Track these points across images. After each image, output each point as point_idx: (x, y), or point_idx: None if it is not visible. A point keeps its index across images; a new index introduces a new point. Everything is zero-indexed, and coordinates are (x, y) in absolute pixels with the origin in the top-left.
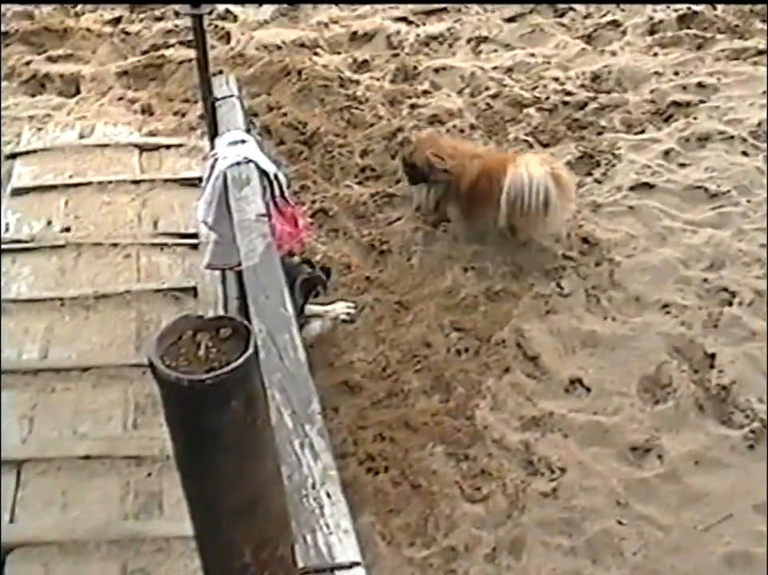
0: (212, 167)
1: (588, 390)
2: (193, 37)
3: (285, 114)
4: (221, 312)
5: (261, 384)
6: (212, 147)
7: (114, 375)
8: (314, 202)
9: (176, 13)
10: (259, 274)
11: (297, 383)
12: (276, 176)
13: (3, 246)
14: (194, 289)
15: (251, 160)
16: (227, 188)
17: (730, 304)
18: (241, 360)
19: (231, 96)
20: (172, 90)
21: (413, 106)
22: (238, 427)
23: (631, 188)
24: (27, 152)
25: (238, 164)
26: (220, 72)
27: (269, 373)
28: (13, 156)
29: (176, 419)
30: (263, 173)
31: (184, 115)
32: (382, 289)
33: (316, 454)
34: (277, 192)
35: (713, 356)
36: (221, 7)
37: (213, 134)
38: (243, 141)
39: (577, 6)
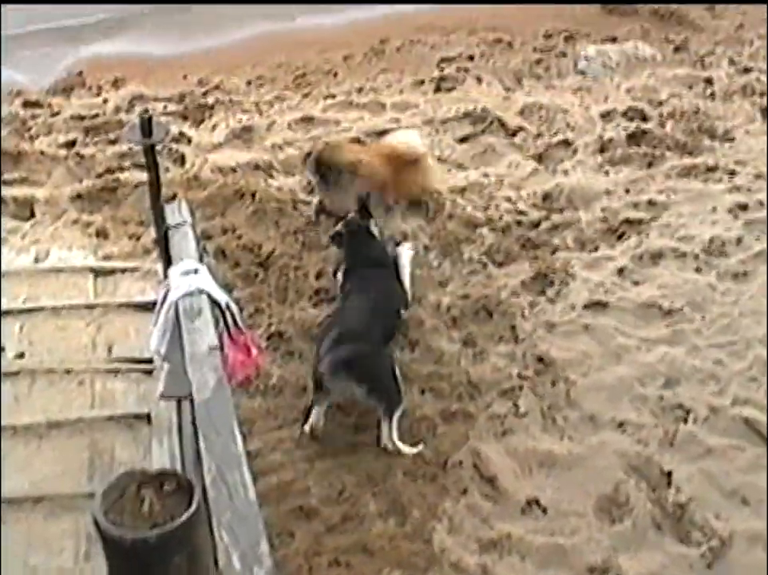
0: (165, 296)
1: (545, 510)
2: (145, 166)
3: (240, 237)
4: (175, 439)
5: (209, 533)
6: (165, 275)
7: (66, 506)
8: (269, 325)
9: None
10: (210, 409)
11: (246, 524)
12: (228, 306)
13: None
14: (148, 416)
15: (203, 291)
16: (179, 318)
17: (686, 421)
18: (184, 518)
19: (184, 223)
20: (127, 213)
21: None
22: None
23: (586, 307)
24: None
25: (190, 294)
26: (174, 196)
27: (218, 513)
28: None
29: (120, 572)
30: (215, 303)
31: (138, 238)
32: (339, 412)
33: None
34: (230, 321)
35: (669, 474)
36: (175, 130)
37: (166, 261)
38: (196, 271)
39: (528, 126)
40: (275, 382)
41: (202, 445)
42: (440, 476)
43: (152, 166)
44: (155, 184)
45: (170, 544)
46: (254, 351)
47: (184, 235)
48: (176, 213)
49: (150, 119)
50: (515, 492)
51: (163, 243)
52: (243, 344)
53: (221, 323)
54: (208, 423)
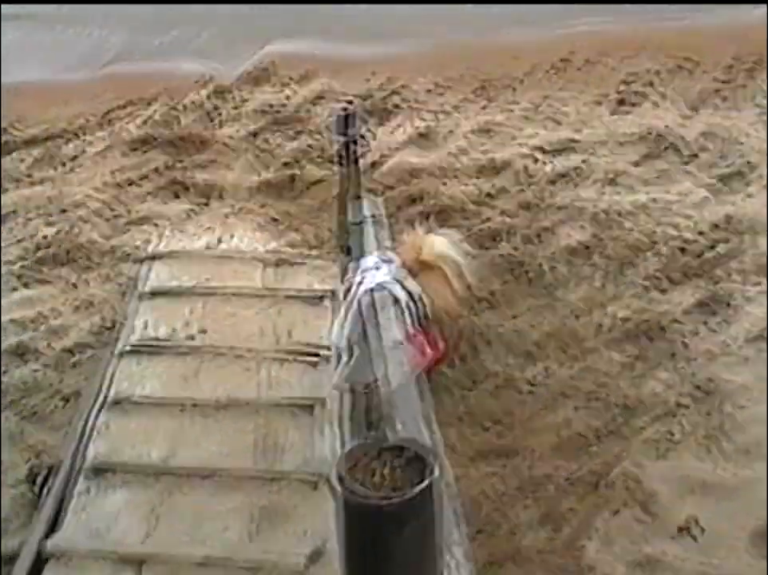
0: (350, 289)
1: (697, 538)
2: (343, 160)
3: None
4: (337, 430)
5: (436, 511)
6: (349, 270)
7: (233, 484)
8: None
9: (314, 132)
10: (397, 400)
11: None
12: (409, 304)
13: (132, 347)
14: (314, 405)
15: (387, 287)
16: (364, 312)
17: None
18: (418, 488)
19: (368, 220)
20: (303, 208)
21: (537, 240)
22: (409, 551)
23: (748, 339)
24: (158, 257)
25: (375, 289)
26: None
27: None
28: (146, 258)
29: (352, 538)
30: (399, 300)
31: (311, 233)
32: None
33: None
34: (409, 319)
35: None
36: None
37: (350, 256)
38: (380, 267)
39: (704, 154)
40: None
41: (389, 435)
42: (593, 493)
43: (349, 160)
44: (349, 179)
45: (405, 512)
46: (429, 351)
47: (367, 232)
48: (365, 209)
49: (351, 114)
50: (667, 516)
51: (347, 239)
52: (419, 343)
53: (401, 320)
54: (396, 414)
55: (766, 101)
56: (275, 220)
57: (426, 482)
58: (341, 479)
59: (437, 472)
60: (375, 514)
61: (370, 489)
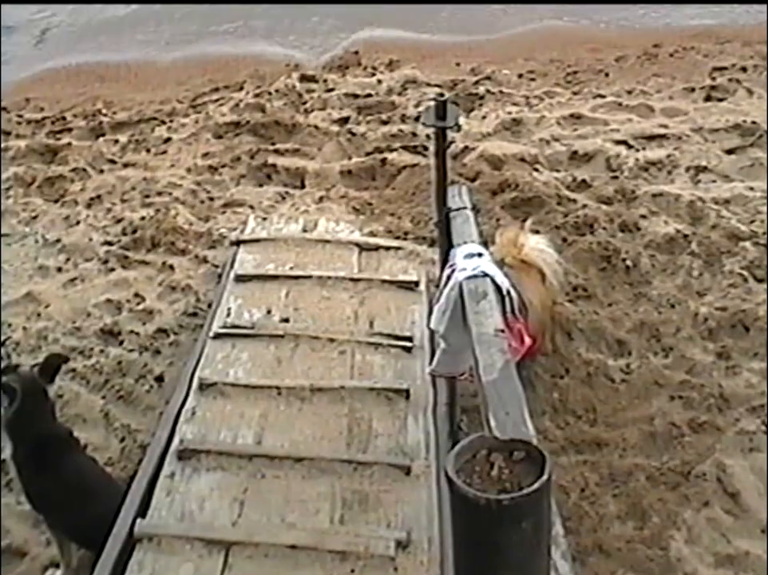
0: (449, 277)
1: None
2: (435, 148)
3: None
4: (430, 416)
5: (549, 508)
6: (445, 257)
7: (324, 469)
8: None
9: (402, 118)
10: (498, 389)
11: None
12: (509, 292)
13: (224, 330)
14: (406, 391)
15: (487, 274)
16: (463, 299)
17: None
18: (536, 485)
19: (466, 208)
20: (393, 194)
21: (630, 229)
22: (525, 548)
23: None
24: (252, 241)
25: (475, 276)
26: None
27: None
28: (238, 242)
29: (466, 533)
30: (498, 288)
31: (401, 218)
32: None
33: None
34: (508, 307)
35: None
36: None
37: (446, 244)
38: (480, 255)
39: None
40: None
41: (493, 424)
42: (682, 485)
43: (441, 148)
44: (442, 166)
45: (521, 508)
46: (527, 340)
47: (465, 219)
48: (457, 197)
49: (446, 103)
50: (757, 510)
51: (444, 226)
52: (517, 332)
53: (503, 308)
54: (498, 403)
55: None
56: (367, 204)
57: (544, 479)
58: (456, 474)
59: (551, 469)
60: (492, 511)
61: (486, 484)
